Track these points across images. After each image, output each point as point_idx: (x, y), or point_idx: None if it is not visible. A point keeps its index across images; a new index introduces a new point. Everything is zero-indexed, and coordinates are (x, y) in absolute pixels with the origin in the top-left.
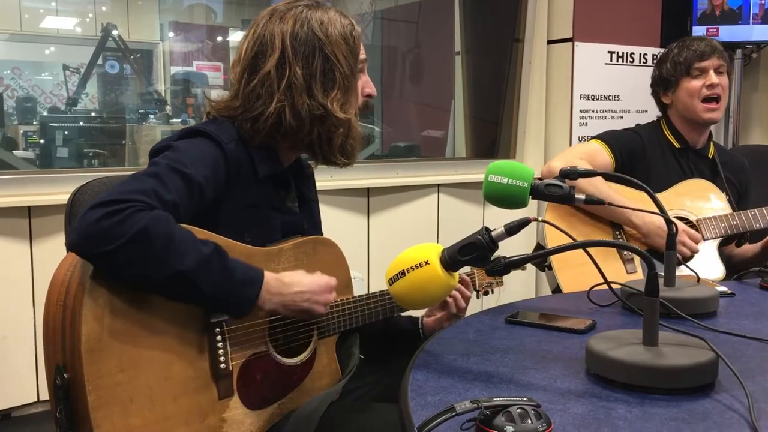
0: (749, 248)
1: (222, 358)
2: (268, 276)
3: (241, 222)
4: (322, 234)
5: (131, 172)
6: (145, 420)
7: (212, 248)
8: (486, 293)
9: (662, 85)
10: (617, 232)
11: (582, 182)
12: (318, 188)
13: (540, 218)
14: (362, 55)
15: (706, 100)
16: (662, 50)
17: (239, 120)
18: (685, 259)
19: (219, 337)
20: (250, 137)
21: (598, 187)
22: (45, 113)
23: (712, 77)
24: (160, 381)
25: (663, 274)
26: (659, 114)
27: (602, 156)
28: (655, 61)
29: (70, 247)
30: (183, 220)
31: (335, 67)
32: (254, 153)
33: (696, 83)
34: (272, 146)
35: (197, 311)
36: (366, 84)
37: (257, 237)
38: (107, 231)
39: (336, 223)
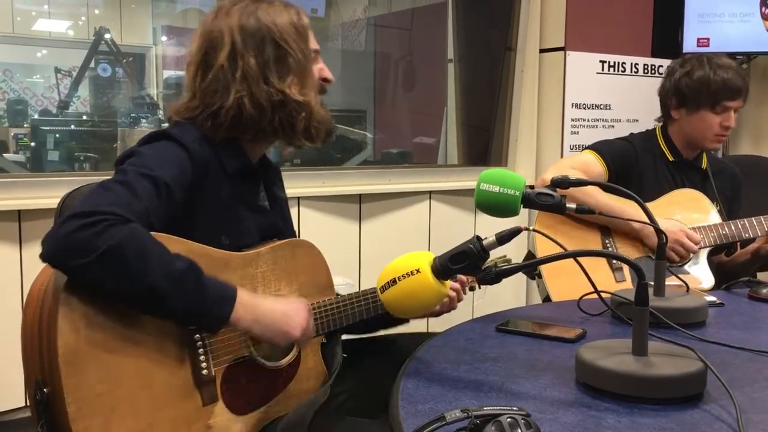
0: (738, 255)
1: (203, 365)
2: (242, 294)
3: (217, 223)
4: (294, 233)
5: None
6: (128, 430)
7: (186, 264)
8: (472, 288)
9: (678, 99)
10: (607, 241)
11: (576, 191)
12: (309, 194)
13: (531, 227)
14: (314, 45)
15: (718, 134)
16: (655, 60)
17: (200, 119)
18: (681, 258)
19: (199, 344)
20: (213, 134)
21: (595, 195)
22: (36, 116)
23: (732, 119)
24: (141, 390)
25: (653, 283)
26: (655, 122)
27: (596, 167)
28: (669, 69)
29: (44, 258)
30: (156, 225)
31: (287, 53)
32: (220, 150)
33: (716, 119)
34: (236, 141)
35: None
36: (322, 69)
37: (234, 238)
38: (82, 244)
39: (327, 229)
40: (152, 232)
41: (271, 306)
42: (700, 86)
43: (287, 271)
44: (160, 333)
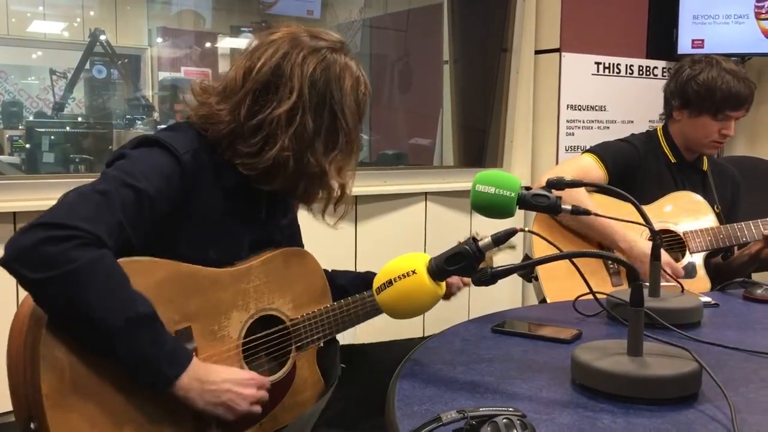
0: (735, 258)
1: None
2: (198, 363)
3: (204, 236)
4: (301, 243)
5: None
6: None
7: (150, 312)
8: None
9: (682, 101)
10: (604, 246)
11: (567, 199)
12: None
13: (527, 228)
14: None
15: (715, 140)
16: (650, 62)
17: (222, 139)
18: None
19: None
20: (226, 157)
21: (584, 203)
22: (31, 118)
23: (731, 128)
24: (130, 424)
25: (648, 284)
26: (652, 124)
27: (595, 171)
28: (677, 69)
29: (3, 262)
30: (134, 238)
31: (341, 127)
32: (222, 165)
33: (715, 126)
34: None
35: None
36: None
37: (223, 252)
38: (48, 257)
39: (323, 230)
40: (134, 257)
41: (222, 377)
42: (705, 92)
43: (280, 283)
44: None
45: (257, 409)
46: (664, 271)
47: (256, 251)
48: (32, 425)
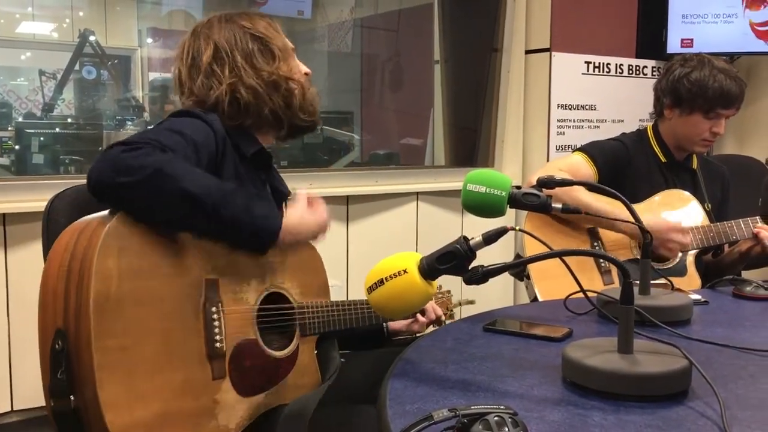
0: (725, 256)
1: (218, 337)
2: (284, 216)
3: None
4: None
5: None
6: (146, 387)
7: (233, 185)
8: (442, 323)
9: (672, 99)
10: (595, 243)
11: (562, 194)
12: None
13: (517, 227)
14: (291, 45)
15: (706, 138)
16: (639, 61)
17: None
18: (674, 254)
19: (215, 317)
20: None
21: (578, 197)
22: (20, 119)
23: (722, 126)
24: (161, 351)
25: (638, 282)
26: (642, 123)
27: (585, 169)
28: (668, 67)
29: (96, 181)
30: None
31: (270, 43)
32: (234, 136)
33: (706, 125)
34: (246, 129)
35: (197, 288)
36: (299, 65)
37: None
38: (132, 162)
39: None
40: None
41: (306, 220)
42: (696, 90)
43: (292, 267)
44: (183, 298)
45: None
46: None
47: None
48: (67, 338)
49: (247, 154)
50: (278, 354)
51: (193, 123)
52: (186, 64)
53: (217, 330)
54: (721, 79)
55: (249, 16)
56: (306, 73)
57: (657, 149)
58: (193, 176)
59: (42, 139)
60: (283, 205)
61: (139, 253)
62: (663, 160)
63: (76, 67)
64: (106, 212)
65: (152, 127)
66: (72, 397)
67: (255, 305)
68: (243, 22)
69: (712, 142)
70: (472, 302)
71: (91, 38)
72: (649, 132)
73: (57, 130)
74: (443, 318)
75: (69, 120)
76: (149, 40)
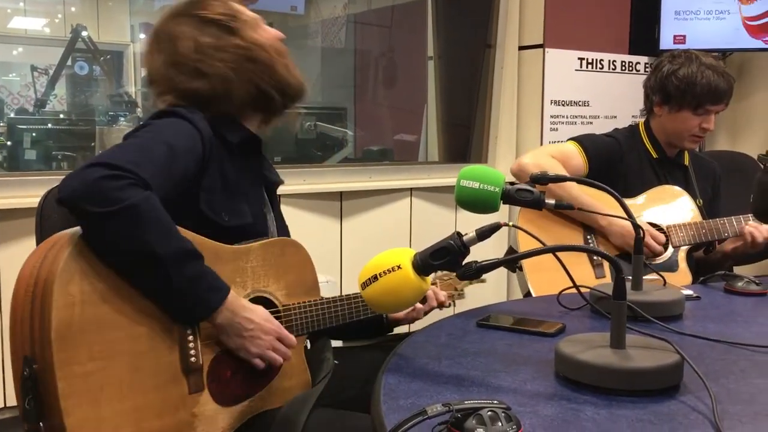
0: (713, 254)
1: (192, 352)
2: (234, 296)
3: (218, 200)
4: (283, 221)
5: None
6: (115, 411)
7: (192, 246)
8: (448, 305)
9: (661, 96)
10: (588, 237)
11: (552, 185)
12: (291, 192)
13: (511, 223)
14: (252, 15)
15: (695, 134)
16: (632, 57)
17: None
18: (647, 259)
19: (189, 331)
20: (205, 112)
21: (568, 190)
22: (12, 115)
23: (711, 122)
24: (130, 373)
25: (630, 277)
26: (635, 120)
27: (576, 159)
28: (657, 64)
29: (66, 197)
30: (162, 190)
31: (231, 22)
32: (220, 127)
33: (695, 121)
34: (232, 116)
35: None
36: (269, 30)
37: (233, 218)
38: (108, 192)
39: (309, 226)
40: None
41: (250, 316)
42: (685, 86)
43: (276, 269)
44: (152, 317)
45: (270, 356)
46: (646, 246)
47: (258, 216)
48: (35, 366)
49: (234, 141)
50: None
51: (178, 127)
52: (158, 62)
53: (191, 344)
54: (709, 75)
55: (202, 3)
56: (280, 39)
57: (649, 145)
58: (159, 227)
59: (34, 134)
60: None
61: (104, 275)
62: (654, 156)
63: (69, 63)
64: (73, 231)
65: (138, 131)
66: (41, 424)
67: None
68: (198, 11)
69: (701, 138)
70: (483, 281)
71: (84, 33)
72: (641, 128)
73: (49, 125)
74: (448, 302)
75: (61, 116)
76: (142, 36)
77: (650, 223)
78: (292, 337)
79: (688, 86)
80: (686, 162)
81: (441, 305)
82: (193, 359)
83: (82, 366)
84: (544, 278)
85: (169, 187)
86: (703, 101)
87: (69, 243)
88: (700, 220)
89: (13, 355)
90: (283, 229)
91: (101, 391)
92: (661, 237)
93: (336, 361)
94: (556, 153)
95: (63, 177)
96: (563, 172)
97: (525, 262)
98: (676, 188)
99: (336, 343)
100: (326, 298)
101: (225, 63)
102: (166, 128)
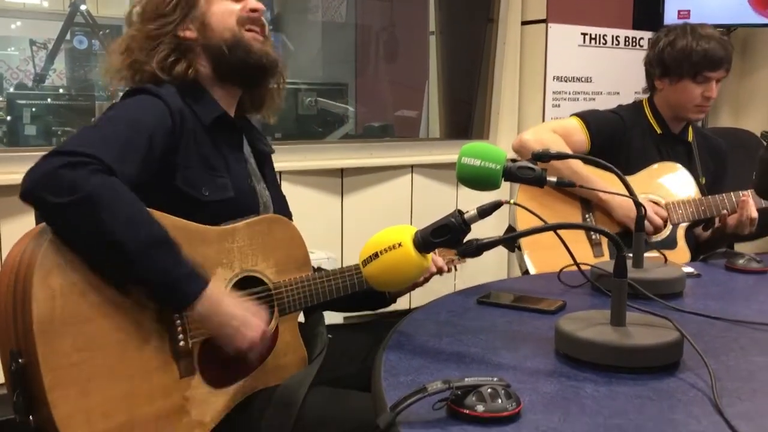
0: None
1: (180, 337)
2: (214, 286)
3: (197, 175)
4: (289, 213)
5: None
6: (104, 399)
7: (164, 233)
8: (448, 270)
9: (660, 69)
10: (587, 215)
11: (556, 161)
12: (291, 169)
13: (512, 201)
14: None
15: (699, 104)
16: (636, 32)
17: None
18: (648, 234)
19: (176, 315)
20: (173, 83)
21: (570, 165)
22: (12, 89)
23: (713, 89)
24: (117, 361)
25: (631, 255)
26: (638, 96)
27: (578, 135)
28: (653, 39)
29: (26, 190)
30: (134, 170)
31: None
32: (192, 104)
33: (697, 90)
34: (203, 91)
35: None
36: (246, 3)
37: (215, 192)
38: (67, 182)
39: (309, 203)
40: None
41: (233, 310)
42: (682, 56)
43: (263, 247)
44: (137, 304)
45: (252, 349)
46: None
47: (243, 191)
48: (21, 360)
49: (206, 123)
50: None
51: (144, 102)
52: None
53: (179, 329)
54: (704, 43)
55: None
56: (253, 9)
57: (653, 121)
58: (125, 215)
59: (34, 109)
60: (267, 167)
61: (84, 265)
62: (659, 131)
63: (68, 37)
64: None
65: (105, 112)
66: (31, 417)
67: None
68: None
69: (706, 107)
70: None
71: (82, 7)
72: (645, 105)
73: (49, 100)
74: (447, 268)
75: (61, 90)
76: (136, 9)
77: (650, 200)
78: (267, 330)
79: (685, 55)
80: (690, 138)
81: (440, 271)
82: (181, 343)
83: (67, 357)
84: (543, 256)
85: (138, 164)
86: (700, 68)
87: (48, 235)
88: (699, 197)
89: (0, 349)
90: (279, 200)
91: (89, 381)
92: (663, 212)
93: (329, 336)
94: (558, 128)
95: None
96: (565, 148)
97: (523, 241)
98: (678, 165)
99: (332, 320)
100: (317, 273)
101: (189, 32)
102: (131, 106)
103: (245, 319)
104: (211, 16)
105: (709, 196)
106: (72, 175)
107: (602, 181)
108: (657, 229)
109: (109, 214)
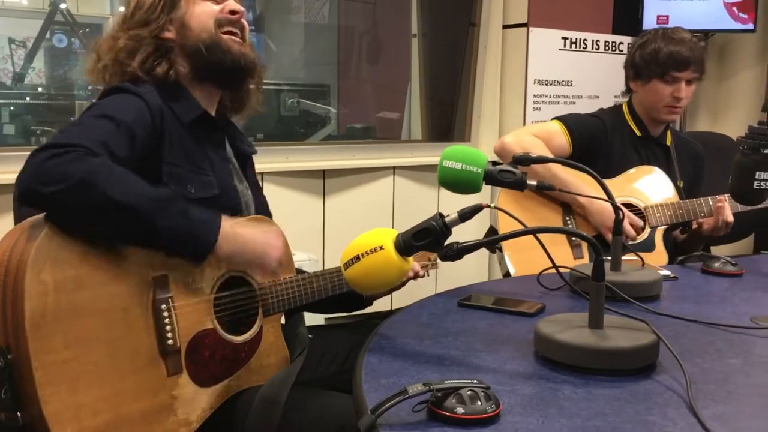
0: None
1: (169, 335)
2: (226, 221)
3: (181, 172)
4: (269, 213)
5: None
6: (93, 397)
7: (170, 191)
8: (422, 276)
9: (633, 71)
10: (567, 218)
11: (536, 165)
12: (273, 170)
13: (492, 204)
14: None
15: (669, 104)
16: (616, 37)
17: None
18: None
19: (166, 314)
20: (158, 80)
21: (551, 169)
22: None
23: (682, 90)
24: (107, 358)
25: (610, 258)
26: (618, 100)
27: (559, 138)
28: (630, 44)
29: (21, 191)
30: (121, 164)
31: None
32: (171, 103)
33: (665, 89)
34: (182, 89)
35: (144, 288)
36: (225, 6)
37: (200, 189)
38: (58, 171)
39: (291, 205)
40: None
41: (252, 236)
42: (650, 58)
43: None
44: (127, 301)
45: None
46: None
47: (227, 190)
48: (9, 356)
49: (186, 121)
50: (239, 339)
51: (123, 99)
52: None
53: (168, 327)
54: (672, 45)
55: None
56: (232, 12)
57: (632, 124)
58: (125, 184)
59: (12, 108)
60: (249, 169)
61: (76, 261)
62: (638, 134)
63: (47, 36)
64: (41, 216)
65: (84, 112)
66: (19, 414)
67: (211, 294)
68: None
69: (677, 108)
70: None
71: (62, 6)
72: (624, 108)
73: (28, 99)
74: (422, 272)
75: (40, 89)
76: (121, 8)
77: (627, 204)
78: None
79: (653, 57)
80: (668, 142)
81: (416, 276)
82: (170, 342)
83: (58, 354)
84: (524, 258)
85: (120, 158)
86: (667, 68)
87: (39, 229)
88: (677, 201)
89: None
90: (260, 202)
91: (78, 379)
92: (639, 221)
93: (310, 336)
94: (539, 132)
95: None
96: (546, 152)
97: (504, 243)
98: (656, 169)
99: (313, 321)
100: (301, 275)
101: (167, 32)
102: (110, 104)
103: (265, 241)
104: (190, 18)
105: (687, 200)
106: (60, 162)
107: (583, 184)
108: (630, 238)
109: (112, 187)
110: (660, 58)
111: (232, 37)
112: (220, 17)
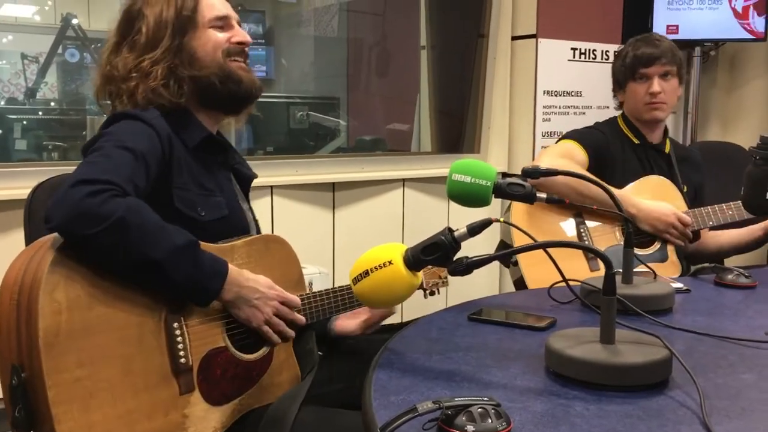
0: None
1: (182, 353)
2: (232, 269)
3: (191, 196)
4: (254, 215)
5: None
6: (106, 416)
7: (186, 239)
8: (432, 293)
9: (614, 82)
10: (582, 229)
11: (561, 179)
12: (283, 183)
13: (501, 219)
14: (218, 13)
15: (648, 102)
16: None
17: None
18: (678, 240)
19: (178, 332)
20: (165, 104)
21: (569, 183)
22: (2, 103)
23: (655, 85)
24: (120, 376)
25: (621, 270)
26: (616, 110)
27: (579, 154)
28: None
29: (59, 226)
30: (138, 191)
31: (168, 23)
32: (176, 127)
33: (640, 88)
34: (187, 114)
35: (156, 306)
36: (233, 36)
37: (210, 211)
38: (95, 210)
39: (301, 218)
40: None
41: (254, 285)
42: (621, 64)
43: (261, 265)
44: (140, 320)
45: (275, 321)
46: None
47: (236, 211)
48: (23, 375)
49: (190, 146)
50: (251, 357)
51: (135, 128)
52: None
53: (180, 345)
54: (638, 46)
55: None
56: (239, 42)
57: (628, 133)
58: (153, 234)
59: (25, 123)
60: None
61: (89, 280)
62: (636, 142)
63: (59, 51)
64: (55, 235)
65: (101, 139)
66: None
67: (223, 312)
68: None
69: (656, 104)
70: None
71: (74, 21)
72: (619, 119)
73: (40, 114)
74: (429, 291)
75: (52, 104)
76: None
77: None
78: (295, 299)
79: (623, 62)
80: (667, 150)
81: (426, 293)
82: (182, 360)
83: (71, 373)
84: (540, 271)
85: (141, 189)
86: (635, 68)
87: (52, 249)
88: (687, 210)
89: (0, 364)
90: (255, 224)
91: (92, 397)
92: (687, 219)
93: (320, 353)
94: (563, 154)
95: (55, 167)
96: (581, 171)
97: (520, 256)
98: (663, 178)
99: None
100: (312, 293)
101: (164, 62)
102: (121, 134)
103: (265, 293)
104: (197, 46)
105: (696, 209)
106: (96, 201)
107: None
108: (685, 237)
109: (137, 234)
110: (627, 62)
111: (239, 64)
112: (229, 48)
